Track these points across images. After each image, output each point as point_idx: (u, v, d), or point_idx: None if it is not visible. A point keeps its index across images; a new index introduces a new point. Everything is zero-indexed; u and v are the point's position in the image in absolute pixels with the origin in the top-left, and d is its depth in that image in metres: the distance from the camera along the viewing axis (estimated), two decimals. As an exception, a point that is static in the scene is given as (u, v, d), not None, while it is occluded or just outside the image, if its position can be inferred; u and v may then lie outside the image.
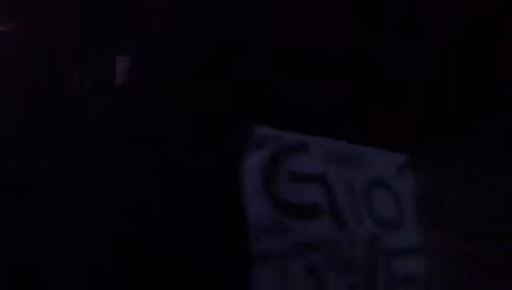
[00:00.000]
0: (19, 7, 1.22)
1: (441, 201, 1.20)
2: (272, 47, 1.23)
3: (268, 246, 1.14)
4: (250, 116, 1.18)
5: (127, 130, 1.13)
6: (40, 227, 1.07)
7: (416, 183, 1.30)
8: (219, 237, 1.09)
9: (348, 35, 1.22)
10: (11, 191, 1.09)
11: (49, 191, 1.09)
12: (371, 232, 1.24)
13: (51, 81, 1.20)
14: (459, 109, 1.14)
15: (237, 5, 1.19)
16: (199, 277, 1.06)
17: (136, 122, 1.14)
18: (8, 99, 1.20)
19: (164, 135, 1.14)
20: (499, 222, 1.28)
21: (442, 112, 1.16)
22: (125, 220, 1.07)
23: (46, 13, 1.21)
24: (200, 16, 1.16)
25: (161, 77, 1.18)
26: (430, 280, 1.16)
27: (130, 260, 1.04)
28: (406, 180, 1.32)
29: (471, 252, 1.19)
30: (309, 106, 1.24)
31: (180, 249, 1.06)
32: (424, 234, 1.24)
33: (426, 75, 1.21)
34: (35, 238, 1.07)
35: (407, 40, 1.21)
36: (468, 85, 1.14)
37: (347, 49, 1.24)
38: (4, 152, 1.14)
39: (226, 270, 1.07)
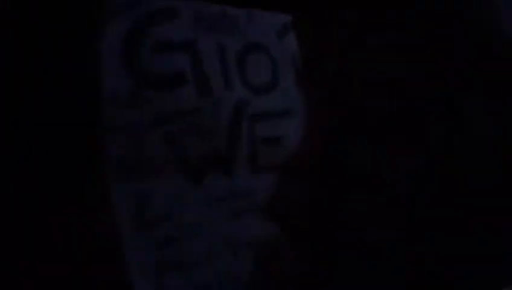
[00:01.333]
0: None
1: (324, 65, 1.14)
2: None
3: (124, 119, 1.09)
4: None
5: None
6: None
7: (298, 46, 1.24)
8: (72, 109, 1.03)
9: None
10: None
11: None
12: (239, 97, 1.18)
13: None
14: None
15: None
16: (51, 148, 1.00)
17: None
18: None
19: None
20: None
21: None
22: None
23: None
24: None
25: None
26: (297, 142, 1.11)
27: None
28: (286, 43, 1.26)
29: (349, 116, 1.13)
30: None
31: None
32: (300, 98, 1.19)
33: None
34: None
35: None
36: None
37: None
38: None
39: (78, 142, 1.01)
